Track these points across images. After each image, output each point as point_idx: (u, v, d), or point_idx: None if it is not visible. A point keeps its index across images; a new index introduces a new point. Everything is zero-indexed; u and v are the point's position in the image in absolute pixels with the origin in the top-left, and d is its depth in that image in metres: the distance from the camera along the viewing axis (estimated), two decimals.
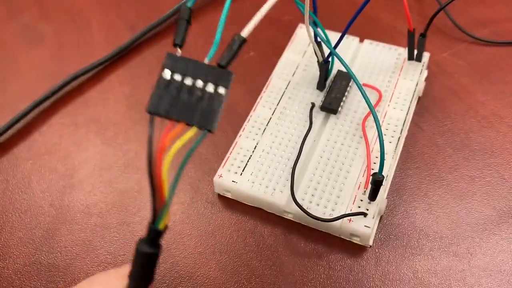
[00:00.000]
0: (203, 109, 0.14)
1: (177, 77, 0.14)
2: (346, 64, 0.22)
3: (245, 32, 0.17)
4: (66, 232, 0.23)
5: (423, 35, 0.25)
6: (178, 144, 0.14)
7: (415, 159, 0.24)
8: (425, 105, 0.26)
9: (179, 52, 0.16)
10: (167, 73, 0.15)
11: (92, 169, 0.25)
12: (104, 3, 0.33)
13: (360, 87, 0.21)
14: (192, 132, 0.14)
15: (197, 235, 0.23)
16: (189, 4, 0.18)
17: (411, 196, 0.23)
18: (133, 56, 0.30)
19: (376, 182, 0.20)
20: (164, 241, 0.22)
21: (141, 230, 0.23)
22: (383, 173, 0.21)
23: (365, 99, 0.21)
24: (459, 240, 0.22)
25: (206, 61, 0.15)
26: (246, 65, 0.29)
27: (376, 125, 0.20)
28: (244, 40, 0.17)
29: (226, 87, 0.15)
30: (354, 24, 0.28)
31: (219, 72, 0.15)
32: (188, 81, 0.14)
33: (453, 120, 0.26)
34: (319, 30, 0.23)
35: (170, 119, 0.14)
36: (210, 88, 0.14)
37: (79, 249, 0.22)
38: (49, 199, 0.24)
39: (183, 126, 0.14)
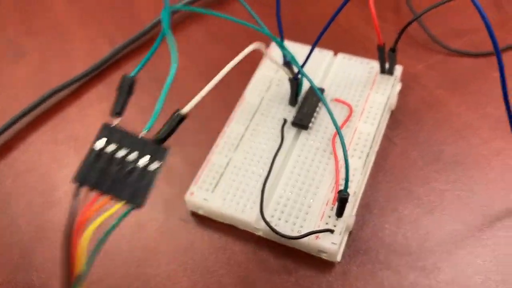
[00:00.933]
0: (134, 184, 0.14)
1: (111, 148, 0.14)
2: (313, 83, 0.22)
3: (185, 109, 0.18)
4: (44, 251, 0.24)
5: (392, 50, 0.25)
6: (102, 218, 0.13)
7: (386, 173, 0.25)
8: (398, 118, 0.26)
9: (117, 121, 0.16)
10: (99, 144, 0.14)
11: (71, 187, 0.26)
12: (86, 18, 0.33)
13: (326, 106, 0.21)
14: (119, 206, 0.14)
15: (170, 252, 0.23)
16: (132, 74, 0.18)
17: (381, 211, 0.23)
18: (112, 72, 0.30)
19: (342, 200, 0.21)
20: (137, 258, 0.23)
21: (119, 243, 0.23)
22: (349, 190, 0.21)
23: (331, 118, 0.21)
24: (427, 255, 0.22)
25: (143, 133, 0.15)
26: (222, 79, 0.29)
27: (342, 143, 0.21)
28: (183, 118, 0.17)
29: (160, 163, 0.15)
30: (330, 37, 0.28)
31: (155, 148, 0.15)
32: (121, 154, 0.14)
33: (427, 132, 0.26)
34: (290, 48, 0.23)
35: (98, 191, 0.14)
36: (143, 162, 0.14)
37: (56, 268, 0.23)
38: (27, 217, 0.25)
39: (110, 199, 0.14)
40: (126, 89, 0.17)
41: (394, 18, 0.31)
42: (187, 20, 0.33)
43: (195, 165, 0.25)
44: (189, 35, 0.32)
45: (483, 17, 0.17)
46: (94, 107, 0.29)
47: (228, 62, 0.30)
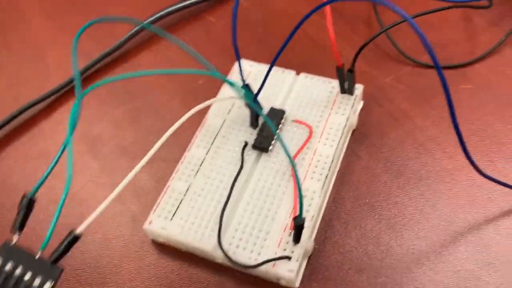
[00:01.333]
0: None
1: (8, 267, 0.16)
2: (263, 114, 0.23)
3: (80, 229, 0.19)
4: None
5: (350, 71, 0.25)
6: None
7: (351, 188, 0.25)
8: (364, 132, 0.27)
9: (16, 238, 0.17)
10: None
11: (39, 203, 0.26)
12: (62, 33, 0.34)
13: (279, 138, 0.21)
14: None
15: (130, 280, 0.23)
16: (29, 195, 0.20)
17: (343, 227, 0.23)
18: (85, 86, 0.30)
19: (297, 226, 0.21)
20: (102, 275, 0.23)
21: (80, 264, 0.24)
22: (307, 214, 0.22)
23: (282, 146, 0.21)
24: (387, 271, 0.22)
25: (39, 252, 0.17)
26: (195, 94, 0.29)
27: (294, 171, 0.20)
28: (77, 238, 0.18)
29: (52, 282, 0.16)
30: (295, 56, 0.28)
31: (48, 268, 0.16)
32: (17, 273, 0.16)
33: (391, 147, 0.26)
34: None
35: None
36: (37, 282, 0.16)
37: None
38: None
39: None
40: (25, 207, 0.20)
41: (366, 32, 0.31)
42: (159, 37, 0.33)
43: (163, 182, 0.25)
44: (162, 52, 0.32)
45: (421, 36, 0.17)
46: (66, 122, 0.29)
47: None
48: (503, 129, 0.26)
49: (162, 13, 0.33)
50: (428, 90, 0.28)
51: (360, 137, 0.26)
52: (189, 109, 0.28)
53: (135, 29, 0.32)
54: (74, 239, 0.18)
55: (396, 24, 0.25)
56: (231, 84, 0.24)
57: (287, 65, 0.28)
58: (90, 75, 0.31)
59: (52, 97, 0.30)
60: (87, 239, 0.24)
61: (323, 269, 0.22)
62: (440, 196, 0.24)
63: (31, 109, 0.30)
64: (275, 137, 0.25)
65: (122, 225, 0.25)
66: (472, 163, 0.21)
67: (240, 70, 0.24)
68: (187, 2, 0.33)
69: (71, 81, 0.30)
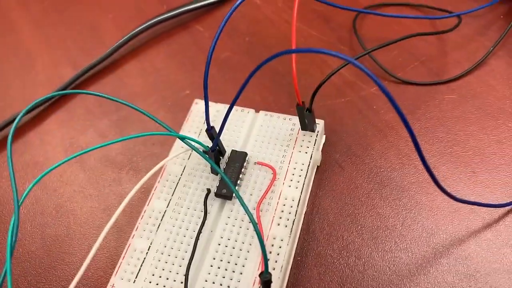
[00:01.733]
0: None
1: None
2: (220, 171, 0.22)
3: None
4: None
5: (309, 110, 0.24)
6: None
7: (334, 199, 0.25)
8: (348, 142, 0.27)
9: None
10: None
11: (26, 214, 0.26)
12: (51, 42, 0.34)
13: (237, 195, 0.20)
14: None
15: None
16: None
17: (326, 237, 0.24)
18: (73, 97, 0.31)
19: (264, 283, 0.20)
20: None
21: (67, 275, 0.24)
22: (276, 264, 0.21)
23: (242, 206, 0.20)
24: (368, 282, 0.22)
25: None
26: (181, 105, 0.30)
27: (255, 229, 0.19)
28: None
29: None
30: (256, 94, 0.28)
31: None
32: None
33: (374, 158, 0.26)
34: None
35: None
36: None
37: None
38: None
39: None
40: None
41: (346, 51, 0.31)
42: (145, 44, 0.33)
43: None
44: (149, 61, 0.32)
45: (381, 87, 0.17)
46: (54, 133, 0.29)
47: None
48: (486, 139, 0.26)
49: (150, 22, 0.33)
50: (412, 101, 0.28)
51: (344, 147, 0.26)
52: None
53: (123, 39, 0.32)
54: None
55: (341, 68, 0.25)
56: (183, 138, 0.23)
57: (245, 103, 0.28)
58: (78, 84, 0.31)
59: (41, 108, 0.30)
60: (73, 250, 0.25)
61: (305, 281, 0.23)
62: (423, 207, 0.24)
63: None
64: (238, 182, 0.24)
65: (107, 236, 0.25)
66: (443, 191, 0.21)
67: (207, 119, 0.23)
68: (176, 12, 0.33)
69: (58, 90, 0.31)
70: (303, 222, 0.24)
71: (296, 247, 0.24)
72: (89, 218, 0.26)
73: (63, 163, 0.22)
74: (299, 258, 0.23)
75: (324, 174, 0.26)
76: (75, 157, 0.22)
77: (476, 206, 0.24)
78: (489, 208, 0.24)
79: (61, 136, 0.29)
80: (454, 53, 0.30)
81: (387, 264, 0.23)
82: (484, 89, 0.28)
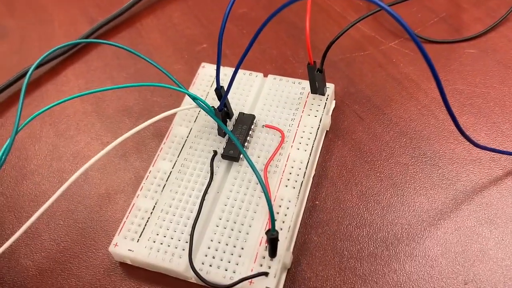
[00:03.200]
0: None
1: None
2: (227, 130, 0.22)
3: None
4: (14, 220, 0.24)
5: (319, 71, 0.24)
6: None
7: (353, 147, 0.25)
8: (367, 94, 0.27)
9: None
10: None
11: (43, 160, 0.26)
12: None
13: (245, 155, 0.20)
14: None
15: None
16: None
17: (344, 184, 0.23)
18: (90, 49, 0.31)
19: (271, 240, 0.19)
20: None
21: (84, 218, 0.24)
22: (283, 225, 0.21)
23: (250, 164, 0.20)
24: (388, 226, 0.22)
25: None
26: (198, 58, 0.30)
27: (262, 187, 0.19)
28: None
29: None
30: (263, 59, 0.28)
31: None
32: None
33: (393, 107, 0.26)
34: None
35: None
36: None
37: (24, 235, 0.23)
38: (0, 188, 0.25)
39: None
40: None
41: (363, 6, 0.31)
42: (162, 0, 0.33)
43: (120, 212, 0.24)
44: (166, 16, 0.32)
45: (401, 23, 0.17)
46: (71, 83, 0.29)
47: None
48: (507, 91, 0.26)
49: None
50: (432, 55, 0.27)
51: (363, 99, 0.26)
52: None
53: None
54: None
55: (373, 13, 0.24)
56: (194, 98, 0.23)
57: (263, 57, 0.28)
58: (94, 36, 0.31)
59: (58, 59, 0.30)
60: (90, 194, 0.25)
61: (323, 224, 0.22)
62: (442, 156, 0.24)
63: (36, 71, 0.30)
64: (245, 144, 0.24)
65: (125, 181, 0.25)
66: (466, 137, 0.21)
67: (218, 77, 0.23)
68: None
69: (75, 44, 0.31)
70: (319, 168, 0.24)
71: (314, 192, 0.23)
72: (106, 164, 0.26)
73: (76, 97, 0.22)
74: (317, 202, 0.23)
75: (343, 124, 0.26)
76: (89, 93, 0.22)
77: (496, 155, 0.24)
78: (509, 156, 0.24)
79: (78, 86, 0.29)
80: (474, 9, 0.29)
81: (406, 208, 0.23)
82: (504, 43, 0.28)
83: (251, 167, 0.20)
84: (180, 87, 0.23)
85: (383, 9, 0.17)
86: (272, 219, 0.19)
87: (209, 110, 0.23)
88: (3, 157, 0.21)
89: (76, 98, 0.28)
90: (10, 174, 0.26)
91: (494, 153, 0.24)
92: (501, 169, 0.23)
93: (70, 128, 0.27)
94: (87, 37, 0.31)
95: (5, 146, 0.21)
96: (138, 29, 0.32)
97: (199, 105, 0.23)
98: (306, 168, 0.23)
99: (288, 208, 0.22)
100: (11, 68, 0.30)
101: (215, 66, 0.27)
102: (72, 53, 0.30)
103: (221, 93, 0.23)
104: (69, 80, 0.29)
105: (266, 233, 0.19)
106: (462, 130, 0.20)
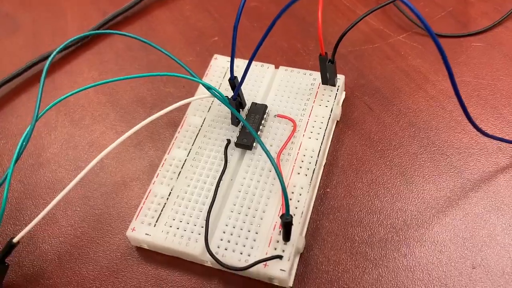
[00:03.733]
0: None
1: None
2: (241, 117, 0.23)
3: (17, 237, 0.21)
4: (32, 207, 0.25)
5: (331, 61, 0.24)
6: None
7: (362, 137, 0.25)
8: (376, 86, 0.27)
9: None
10: None
11: (59, 148, 0.27)
12: None
13: (259, 141, 0.20)
14: None
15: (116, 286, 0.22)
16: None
17: (355, 172, 0.24)
18: (102, 41, 0.31)
19: (285, 224, 0.20)
20: None
21: (100, 204, 0.24)
22: (296, 210, 0.22)
23: (263, 149, 0.20)
24: (397, 213, 0.23)
25: None
26: (210, 50, 0.30)
27: (276, 172, 0.20)
28: (14, 245, 0.21)
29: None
30: (273, 51, 0.28)
31: None
32: None
33: (402, 99, 0.26)
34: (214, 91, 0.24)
35: None
36: None
37: (42, 221, 0.24)
38: (18, 176, 0.26)
39: None
40: None
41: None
42: None
43: (136, 199, 0.24)
44: (178, 8, 0.33)
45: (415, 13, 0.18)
46: (84, 75, 0.30)
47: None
48: None
49: None
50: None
51: (372, 90, 0.27)
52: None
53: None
54: (12, 247, 0.21)
55: (383, 6, 0.25)
56: (208, 87, 0.23)
57: (273, 50, 0.28)
58: (106, 28, 0.32)
59: (69, 50, 0.31)
60: (106, 181, 0.25)
61: (335, 211, 0.23)
62: (450, 145, 0.25)
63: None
64: (258, 133, 0.24)
65: (140, 169, 0.25)
66: (474, 126, 0.21)
67: (232, 68, 0.23)
68: None
69: (85, 36, 0.31)
70: (330, 157, 0.25)
71: (326, 180, 0.24)
72: (121, 152, 0.26)
73: (92, 86, 0.23)
74: (328, 190, 0.24)
75: (353, 114, 0.26)
76: (104, 83, 0.23)
77: (503, 144, 0.24)
78: None
79: (92, 77, 0.29)
80: (481, 3, 0.30)
81: (415, 196, 0.23)
82: (511, 37, 0.28)
83: (266, 153, 0.20)
84: (195, 77, 0.24)
85: (400, 0, 0.18)
86: (287, 203, 0.20)
87: (223, 99, 0.24)
88: (24, 143, 0.22)
89: (90, 89, 0.29)
90: (27, 162, 0.26)
91: (501, 143, 0.24)
92: (508, 158, 0.24)
93: (85, 118, 0.28)
94: (98, 29, 0.31)
95: (24, 134, 0.22)
96: (149, 22, 0.32)
97: (213, 95, 0.24)
98: (317, 156, 0.24)
99: (300, 195, 0.22)
100: (25, 62, 0.31)
101: (227, 58, 0.28)
102: (84, 44, 0.31)
103: (235, 83, 0.24)
104: (83, 71, 0.30)
105: (281, 217, 0.20)
106: (471, 119, 0.21)
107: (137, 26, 0.32)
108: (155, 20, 0.32)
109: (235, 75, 0.24)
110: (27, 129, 0.22)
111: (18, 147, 0.21)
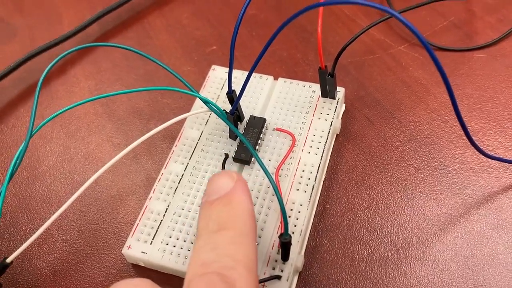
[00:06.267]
0: None
1: None
2: (239, 132, 0.22)
3: (11, 257, 0.21)
4: (27, 221, 0.24)
5: (331, 75, 0.24)
6: None
7: (363, 151, 0.25)
8: (377, 98, 0.27)
9: None
10: None
11: (55, 161, 0.26)
12: None
13: (256, 158, 0.20)
14: None
15: None
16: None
17: (354, 187, 0.24)
18: (98, 50, 0.31)
19: (284, 244, 0.20)
20: None
21: (96, 219, 0.24)
22: (295, 228, 0.21)
23: (262, 168, 0.20)
24: (398, 230, 0.22)
25: None
26: (208, 60, 0.30)
27: (274, 190, 0.19)
28: (8, 265, 0.21)
29: None
30: (273, 63, 0.28)
31: None
32: None
33: (403, 112, 0.26)
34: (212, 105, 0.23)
35: None
36: None
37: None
38: (12, 189, 0.25)
39: None
40: None
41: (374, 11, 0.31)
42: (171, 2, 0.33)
43: (132, 214, 0.24)
44: (174, 16, 0.32)
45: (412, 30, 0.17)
46: (80, 84, 0.29)
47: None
48: None
49: None
50: (440, 59, 0.28)
51: (373, 102, 0.26)
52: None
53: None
54: (4, 267, 0.21)
55: (385, 19, 0.24)
56: (206, 101, 0.23)
57: (273, 59, 0.28)
58: (103, 38, 0.31)
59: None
60: (102, 195, 0.25)
61: (334, 228, 0.23)
62: (452, 160, 0.24)
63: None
64: (256, 147, 0.24)
65: (136, 183, 0.25)
66: (476, 148, 0.21)
67: (230, 81, 0.23)
68: None
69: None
70: (329, 171, 0.24)
71: (325, 196, 0.24)
72: (117, 165, 0.26)
73: (87, 101, 0.22)
74: (328, 206, 0.23)
75: (353, 127, 0.26)
76: (101, 98, 0.22)
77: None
78: None
79: (88, 87, 0.29)
80: (484, 13, 0.30)
81: (416, 213, 0.23)
82: None
83: (264, 171, 0.20)
84: (192, 91, 0.23)
85: (395, 17, 0.17)
86: (286, 222, 0.19)
87: (221, 114, 0.23)
88: (18, 161, 0.21)
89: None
90: (22, 175, 0.26)
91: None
92: (511, 174, 0.23)
93: (80, 129, 0.27)
94: (95, 40, 0.31)
95: (18, 151, 0.21)
96: (146, 29, 0.32)
97: (211, 109, 0.23)
98: (317, 172, 0.23)
99: (299, 212, 0.22)
100: (21, 69, 0.30)
101: (225, 69, 0.27)
102: (81, 53, 0.31)
103: (233, 97, 0.24)
104: (79, 81, 0.29)
105: (279, 236, 0.20)
106: (473, 141, 0.20)
107: (134, 35, 0.31)
108: (152, 28, 0.32)
109: (233, 88, 0.23)
110: (21, 146, 0.21)
111: (12, 165, 0.21)
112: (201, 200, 0.19)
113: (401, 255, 0.22)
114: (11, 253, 0.20)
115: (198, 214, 0.19)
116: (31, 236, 0.21)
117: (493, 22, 0.29)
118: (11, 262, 0.20)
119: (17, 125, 0.28)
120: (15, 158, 0.21)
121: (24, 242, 0.20)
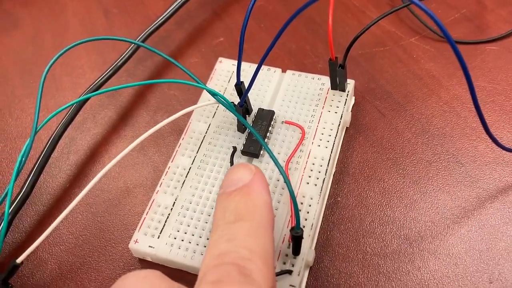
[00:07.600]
0: None
1: None
2: (248, 124, 0.22)
3: (20, 258, 0.20)
4: (32, 213, 0.24)
5: (341, 66, 0.23)
6: None
7: (374, 143, 0.24)
8: (388, 90, 0.26)
9: None
10: None
11: (60, 152, 0.26)
12: None
13: (267, 149, 0.19)
14: None
15: None
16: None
17: (366, 180, 0.23)
18: (105, 41, 0.30)
19: (295, 238, 0.19)
20: None
21: (103, 211, 0.24)
22: (306, 222, 0.21)
23: (272, 159, 0.19)
24: (411, 223, 0.22)
25: None
26: (215, 52, 0.29)
27: (286, 183, 0.19)
28: (18, 266, 0.20)
29: None
30: (281, 55, 0.28)
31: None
32: None
33: (415, 105, 0.26)
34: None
35: None
36: None
37: (42, 229, 0.23)
38: (18, 181, 0.25)
39: None
40: None
41: (385, 3, 0.31)
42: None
43: (139, 208, 0.23)
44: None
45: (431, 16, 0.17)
46: (86, 76, 0.29)
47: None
48: None
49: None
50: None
51: (384, 94, 0.26)
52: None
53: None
54: (15, 266, 0.20)
55: (397, 10, 0.24)
56: (214, 93, 0.23)
57: (282, 51, 0.27)
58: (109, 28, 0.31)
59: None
60: (109, 187, 0.24)
61: (346, 221, 0.22)
62: (465, 153, 0.24)
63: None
64: (265, 140, 0.23)
65: (144, 175, 0.25)
66: (495, 141, 0.21)
67: (238, 73, 0.22)
68: None
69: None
70: (340, 164, 0.24)
71: (336, 188, 0.23)
72: (124, 157, 0.25)
73: (94, 95, 0.22)
74: (339, 199, 0.23)
75: (364, 120, 0.25)
76: (105, 92, 0.22)
77: None
78: None
79: (94, 78, 0.29)
80: (495, 5, 0.29)
81: (429, 206, 0.22)
82: None
83: (274, 162, 0.19)
84: (199, 83, 0.23)
85: (416, 5, 0.17)
86: (297, 215, 0.19)
87: (229, 106, 0.23)
88: (23, 159, 0.21)
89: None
90: (27, 167, 0.25)
91: None
92: None
93: (86, 121, 0.27)
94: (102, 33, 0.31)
95: (24, 148, 0.21)
96: (152, 21, 0.31)
97: (219, 101, 0.23)
98: (327, 165, 0.23)
99: (310, 206, 0.22)
100: (26, 59, 0.30)
101: (232, 61, 0.27)
102: (86, 45, 0.30)
103: (242, 89, 0.23)
104: (85, 72, 0.29)
105: (291, 230, 0.19)
106: (491, 135, 0.20)
107: (140, 27, 0.31)
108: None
109: (241, 79, 0.23)
110: (26, 143, 0.21)
111: (17, 163, 0.20)
112: (218, 192, 0.19)
113: (415, 248, 0.21)
114: (18, 248, 0.20)
115: (214, 206, 0.19)
116: (38, 230, 0.20)
117: (504, 15, 0.29)
118: (21, 262, 0.20)
119: (22, 116, 0.27)
120: (20, 156, 0.20)
121: (31, 238, 0.20)
